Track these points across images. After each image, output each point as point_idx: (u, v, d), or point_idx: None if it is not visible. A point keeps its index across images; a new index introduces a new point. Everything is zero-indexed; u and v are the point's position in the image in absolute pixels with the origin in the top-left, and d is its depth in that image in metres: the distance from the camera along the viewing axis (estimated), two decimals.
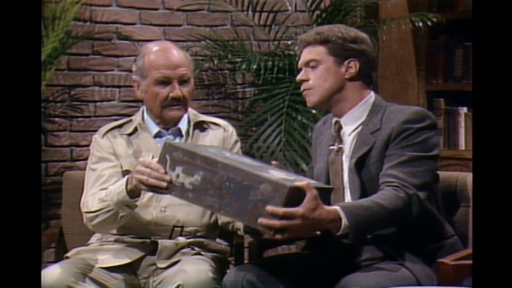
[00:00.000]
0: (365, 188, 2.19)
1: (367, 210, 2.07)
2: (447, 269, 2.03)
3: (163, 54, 2.49)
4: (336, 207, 2.05)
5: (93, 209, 2.40)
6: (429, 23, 3.49)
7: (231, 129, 2.62)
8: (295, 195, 1.98)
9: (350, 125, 2.28)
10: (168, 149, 2.14)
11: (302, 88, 2.33)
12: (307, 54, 2.31)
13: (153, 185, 2.15)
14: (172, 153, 2.12)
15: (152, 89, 2.49)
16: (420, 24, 3.49)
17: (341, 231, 2.04)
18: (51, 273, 2.32)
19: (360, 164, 2.21)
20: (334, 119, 2.32)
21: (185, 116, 2.56)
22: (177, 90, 2.47)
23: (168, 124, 2.54)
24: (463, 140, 3.71)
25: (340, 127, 2.30)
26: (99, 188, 2.45)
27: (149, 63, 2.48)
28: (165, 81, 2.47)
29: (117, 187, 2.35)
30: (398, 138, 2.19)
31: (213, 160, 2.10)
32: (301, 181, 2.01)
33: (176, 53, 2.51)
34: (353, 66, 2.28)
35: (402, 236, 2.19)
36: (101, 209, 2.38)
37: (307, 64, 2.31)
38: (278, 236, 1.98)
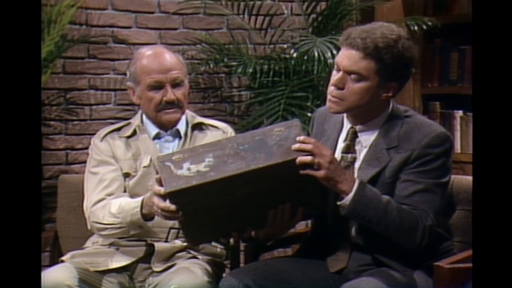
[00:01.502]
0: None
1: (379, 202, 2.07)
2: (442, 272, 2.03)
3: (154, 58, 2.49)
4: (356, 178, 2.09)
5: (104, 222, 2.42)
6: (424, 26, 3.49)
7: (230, 130, 2.63)
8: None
9: (367, 136, 2.20)
10: (164, 158, 2.12)
11: (331, 92, 2.15)
12: (353, 63, 2.10)
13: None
14: (171, 158, 2.11)
15: (146, 94, 2.49)
16: (416, 27, 3.49)
17: (343, 201, 2.07)
18: (45, 277, 2.31)
19: (372, 182, 2.14)
20: (349, 125, 2.23)
21: (183, 118, 2.56)
22: (170, 94, 2.47)
23: (166, 127, 2.54)
24: (458, 144, 3.72)
25: (355, 136, 2.22)
26: (104, 194, 2.46)
27: (140, 69, 2.49)
28: (157, 86, 2.48)
29: (131, 208, 2.36)
30: (416, 162, 2.13)
31: (215, 141, 2.15)
32: None
33: (167, 57, 2.51)
34: (392, 90, 2.15)
35: (402, 252, 2.16)
36: (113, 224, 2.40)
37: (349, 72, 2.11)
38: (311, 160, 2.02)
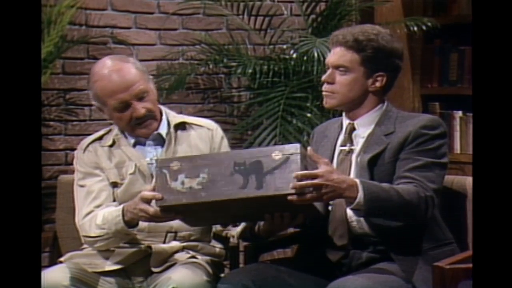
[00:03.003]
0: None
1: (384, 191, 2.09)
2: (442, 272, 2.03)
3: (111, 78, 2.39)
4: (355, 179, 2.09)
5: (92, 235, 2.41)
6: (424, 27, 3.50)
7: (215, 126, 2.57)
8: (305, 162, 2.03)
9: (364, 128, 2.29)
10: (162, 163, 2.13)
11: (324, 88, 2.29)
12: (338, 57, 2.25)
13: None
14: (169, 165, 2.11)
15: (115, 115, 2.44)
16: (415, 28, 3.50)
17: (355, 204, 2.07)
18: (44, 277, 2.31)
19: (373, 163, 2.22)
20: (347, 121, 2.32)
21: (164, 119, 2.51)
22: (138, 109, 2.40)
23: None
24: (458, 144, 3.72)
25: (353, 129, 2.30)
26: (92, 206, 2.44)
27: (101, 91, 2.41)
28: (123, 106, 2.40)
29: (114, 217, 2.35)
30: (414, 142, 2.20)
31: (213, 154, 2.16)
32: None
33: (124, 72, 2.40)
34: (380, 80, 2.26)
35: (402, 237, 2.19)
36: (100, 235, 2.39)
37: (336, 66, 2.26)
38: (307, 197, 2.01)
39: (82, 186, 2.49)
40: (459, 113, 3.74)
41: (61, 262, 2.48)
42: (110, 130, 2.54)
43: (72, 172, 3.35)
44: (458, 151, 3.71)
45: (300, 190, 2.01)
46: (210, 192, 2.07)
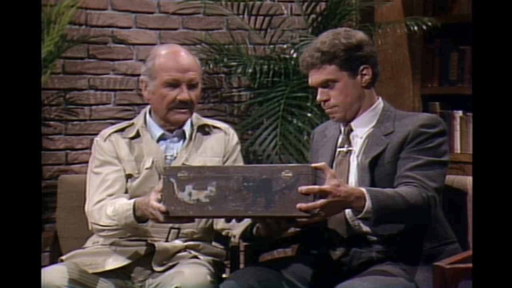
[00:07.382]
0: (375, 187, 2.18)
1: (390, 198, 2.10)
2: (442, 272, 2.03)
3: (174, 57, 2.50)
4: (361, 188, 2.09)
5: (101, 224, 2.43)
6: (424, 27, 3.49)
7: (231, 131, 2.62)
8: (314, 178, 2.02)
9: (362, 128, 2.30)
10: (170, 172, 2.13)
11: (324, 107, 2.31)
12: (318, 75, 2.28)
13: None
14: (177, 174, 2.11)
15: (160, 91, 2.49)
16: (415, 28, 3.50)
17: (363, 213, 2.07)
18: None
19: (373, 164, 2.23)
20: (344, 123, 2.33)
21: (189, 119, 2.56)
22: (185, 94, 2.47)
23: (172, 126, 2.54)
24: (458, 144, 3.73)
25: (351, 130, 2.32)
26: (105, 194, 2.46)
27: (159, 65, 2.49)
28: (174, 84, 2.47)
29: (125, 210, 2.36)
30: (414, 141, 2.22)
31: (222, 167, 2.14)
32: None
33: (186, 57, 2.51)
34: (367, 73, 2.28)
35: (404, 237, 2.20)
36: (109, 225, 2.41)
37: (321, 84, 2.29)
38: (315, 218, 2.02)
39: (97, 173, 2.51)
40: (459, 113, 3.74)
41: (62, 261, 2.48)
42: (132, 124, 2.58)
43: (73, 172, 3.38)
44: (458, 151, 3.71)
45: (309, 212, 2.00)
46: (218, 207, 2.06)
